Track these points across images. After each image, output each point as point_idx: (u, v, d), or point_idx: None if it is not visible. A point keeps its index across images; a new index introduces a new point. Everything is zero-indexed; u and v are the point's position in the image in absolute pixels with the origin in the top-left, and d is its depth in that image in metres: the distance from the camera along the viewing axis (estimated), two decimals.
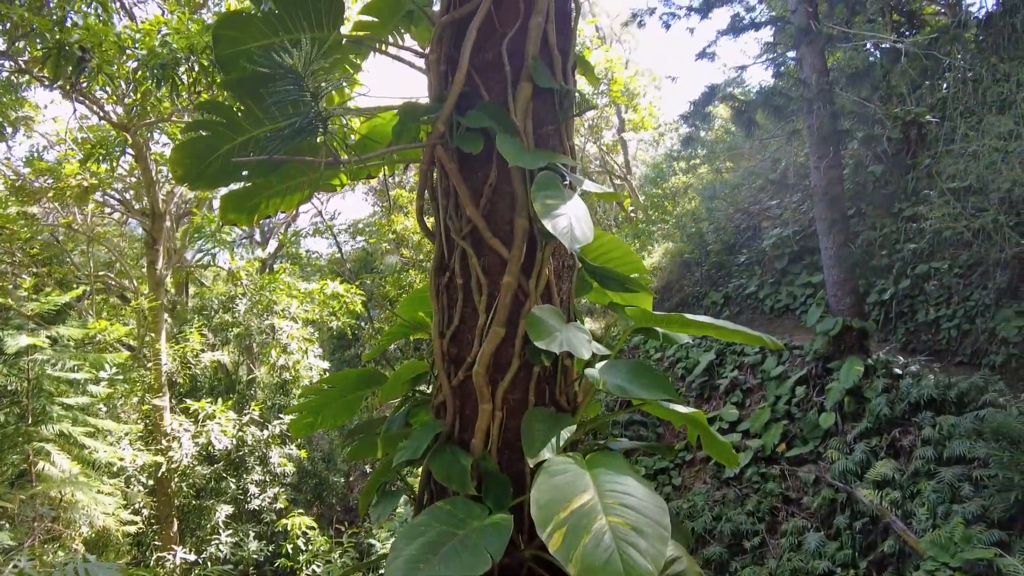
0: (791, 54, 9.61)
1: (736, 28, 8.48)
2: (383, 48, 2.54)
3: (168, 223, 10.98)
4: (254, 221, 2.72)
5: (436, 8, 2.66)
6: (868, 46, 10.16)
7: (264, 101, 2.10)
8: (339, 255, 16.39)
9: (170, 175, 11.99)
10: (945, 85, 9.79)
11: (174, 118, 8.45)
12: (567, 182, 2.09)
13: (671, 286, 12.65)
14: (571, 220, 1.86)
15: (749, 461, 8.22)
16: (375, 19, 2.64)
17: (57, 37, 6.59)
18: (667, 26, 8.52)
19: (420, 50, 2.45)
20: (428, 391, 2.53)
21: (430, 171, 2.24)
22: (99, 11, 7.22)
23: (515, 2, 2.20)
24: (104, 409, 8.89)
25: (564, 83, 2.23)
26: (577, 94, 2.25)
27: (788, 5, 8.99)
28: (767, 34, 9.98)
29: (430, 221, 2.44)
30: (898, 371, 7.59)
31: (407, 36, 2.88)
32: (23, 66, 9.10)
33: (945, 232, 8.63)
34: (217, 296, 10.47)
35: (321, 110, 1.49)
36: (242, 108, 2.22)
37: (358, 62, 2.67)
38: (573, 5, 2.34)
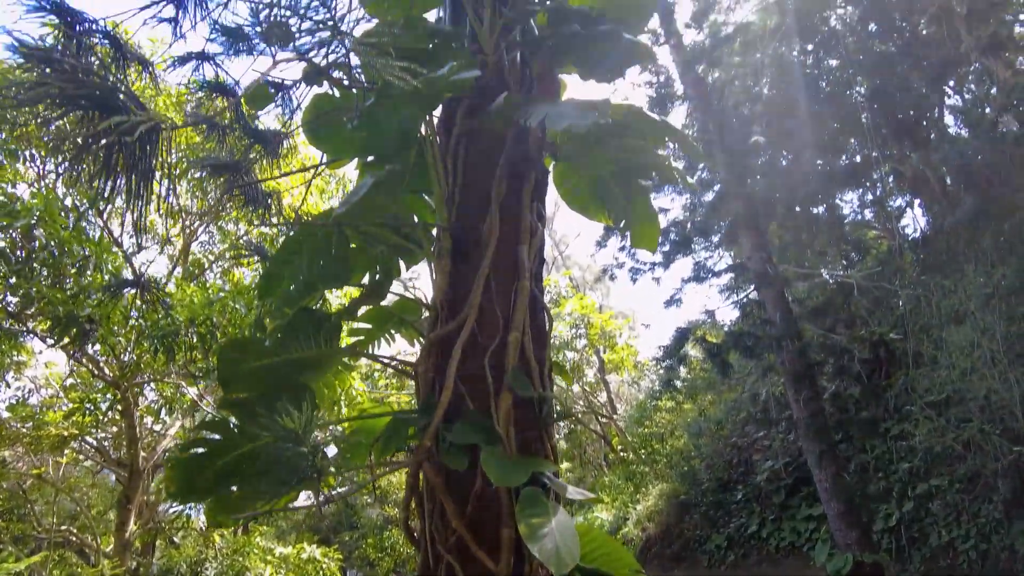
0: (755, 294, 10.37)
1: (699, 277, 9.32)
2: (374, 354, 2.76)
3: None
4: (241, 521, 2.70)
5: (423, 314, 2.95)
6: (824, 274, 11.07)
7: (260, 419, 2.22)
8: (317, 510, 15.63)
9: (152, 425, 11.94)
10: (900, 302, 10.45)
11: (166, 379, 8.66)
12: (551, 492, 2.15)
13: (670, 531, 12.05)
14: (557, 541, 1.88)
15: None
16: (368, 326, 2.91)
17: (71, 309, 7.01)
18: (634, 280, 9.41)
19: (409, 363, 2.65)
20: None
21: (416, 483, 2.30)
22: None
23: (495, 319, 2.46)
24: None
25: (542, 390, 2.41)
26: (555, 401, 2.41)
27: (744, 251, 9.96)
28: (728, 277, 10.93)
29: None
30: None
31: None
32: (29, 327, 9.52)
33: (936, 448, 8.56)
34: (185, 559, 9.76)
35: (317, 464, 1.60)
36: (238, 425, 2.34)
37: (352, 364, 2.88)
38: (547, 318, 2.62)
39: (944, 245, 9.73)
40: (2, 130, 8.14)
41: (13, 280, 7.27)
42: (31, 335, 9.95)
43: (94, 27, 2.86)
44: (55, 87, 1.66)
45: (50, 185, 9.35)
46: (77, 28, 2.82)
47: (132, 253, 10.52)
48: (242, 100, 3.35)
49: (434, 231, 2.69)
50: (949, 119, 12.25)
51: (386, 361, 2.69)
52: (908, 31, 11.68)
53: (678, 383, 10.68)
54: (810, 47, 11.84)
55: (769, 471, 10.87)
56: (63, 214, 7.05)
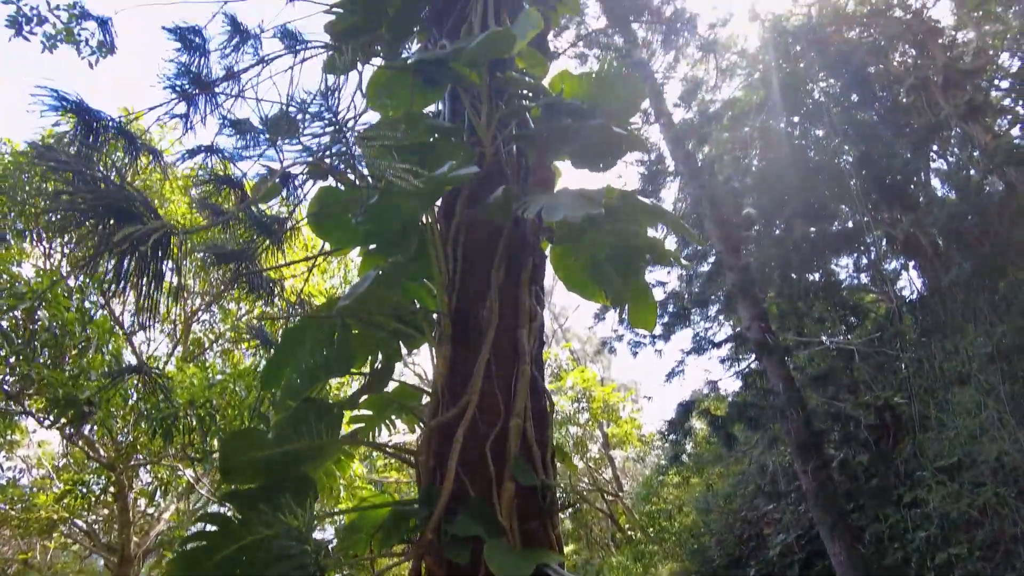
0: (756, 364, 10.32)
1: (699, 348, 9.34)
2: (375, 442, 2.75)
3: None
4: None
5: (423, 399, 2.97)
6: (824, 340, 11.03)
7: (263, 515, 2.20)
8: None
9: (145, 508, 11.64)
10: (903, 366, 10.37)
11: (162, 461, 8.53)
12: None
13: None
14: None
15: None
16: (370, 413, 2.91)
17: (70, 391, 6.96)
18: (635, 353, 9.46)
19: (409, 449, 2.65)
20: None
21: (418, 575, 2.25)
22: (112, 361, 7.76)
23: (496, 405, 2.47)
24: None
25: (545, 476, 2.40)
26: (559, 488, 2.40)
27: (743, 321, 10.00)
28: (729, 348, 10.93)
29: None
30: None
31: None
32: (25, 407, 9.41)
33: (952, 514, 8.29)
34: None
35: (320, 561, 1.59)
36: (239, 517, 2.31)
37: (351, 451, 2.87)
38: (548, 401, 2.64)
39: (941, 306, 9.77)
40: (11, 210, 8.33)
41: (13, 360, 7.27)
42: (27, 415, 9.85)
43: (110, 124, 3.02)
44: (78, 197, 1.75)
45: (55, 265, 9.47)
46: (94, 125, 2.97)
47: (133, 332, 10.55)
48: (247, 188, 3.49)
49: (435, 316, 2.74)
50: (936, 182, 12.54)
51: (383, 445, 2.68)
52: (889, 100, 12.17)
53: (684, 457, 10.50)
54: (796, 119, 12.29)
55: (781, 545, 10.54)
56: (66, 295, 7.13)
